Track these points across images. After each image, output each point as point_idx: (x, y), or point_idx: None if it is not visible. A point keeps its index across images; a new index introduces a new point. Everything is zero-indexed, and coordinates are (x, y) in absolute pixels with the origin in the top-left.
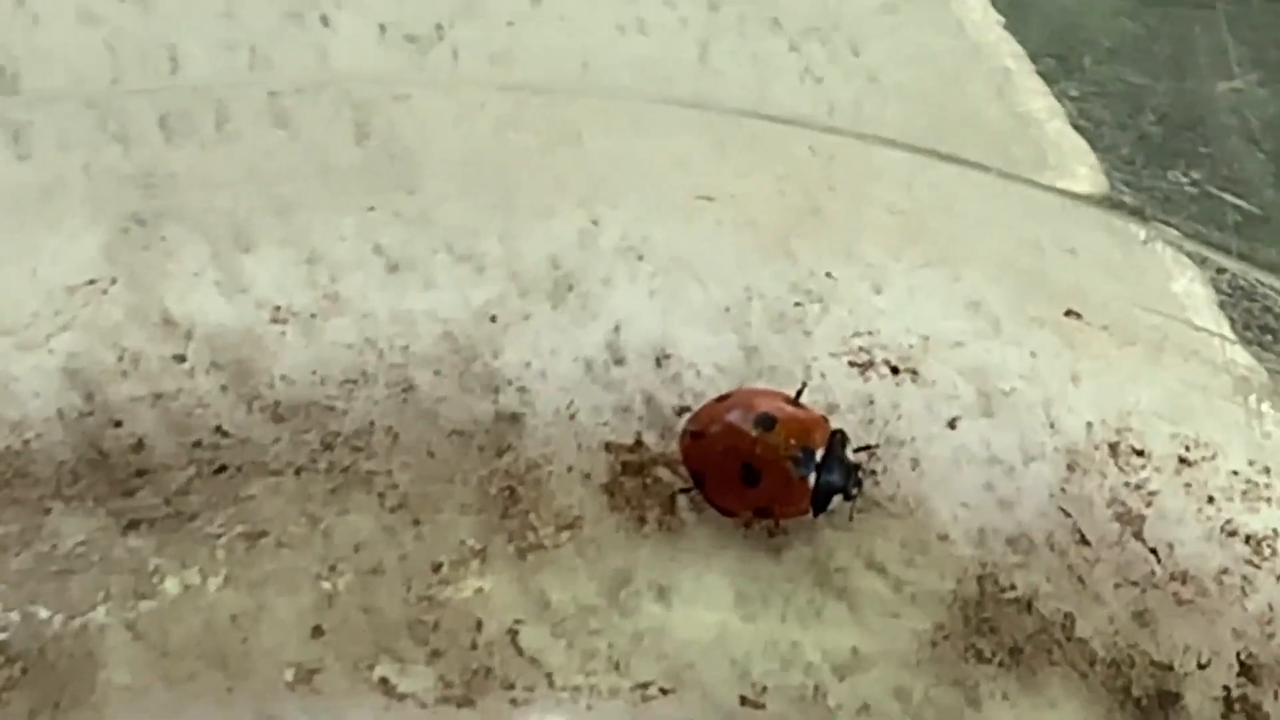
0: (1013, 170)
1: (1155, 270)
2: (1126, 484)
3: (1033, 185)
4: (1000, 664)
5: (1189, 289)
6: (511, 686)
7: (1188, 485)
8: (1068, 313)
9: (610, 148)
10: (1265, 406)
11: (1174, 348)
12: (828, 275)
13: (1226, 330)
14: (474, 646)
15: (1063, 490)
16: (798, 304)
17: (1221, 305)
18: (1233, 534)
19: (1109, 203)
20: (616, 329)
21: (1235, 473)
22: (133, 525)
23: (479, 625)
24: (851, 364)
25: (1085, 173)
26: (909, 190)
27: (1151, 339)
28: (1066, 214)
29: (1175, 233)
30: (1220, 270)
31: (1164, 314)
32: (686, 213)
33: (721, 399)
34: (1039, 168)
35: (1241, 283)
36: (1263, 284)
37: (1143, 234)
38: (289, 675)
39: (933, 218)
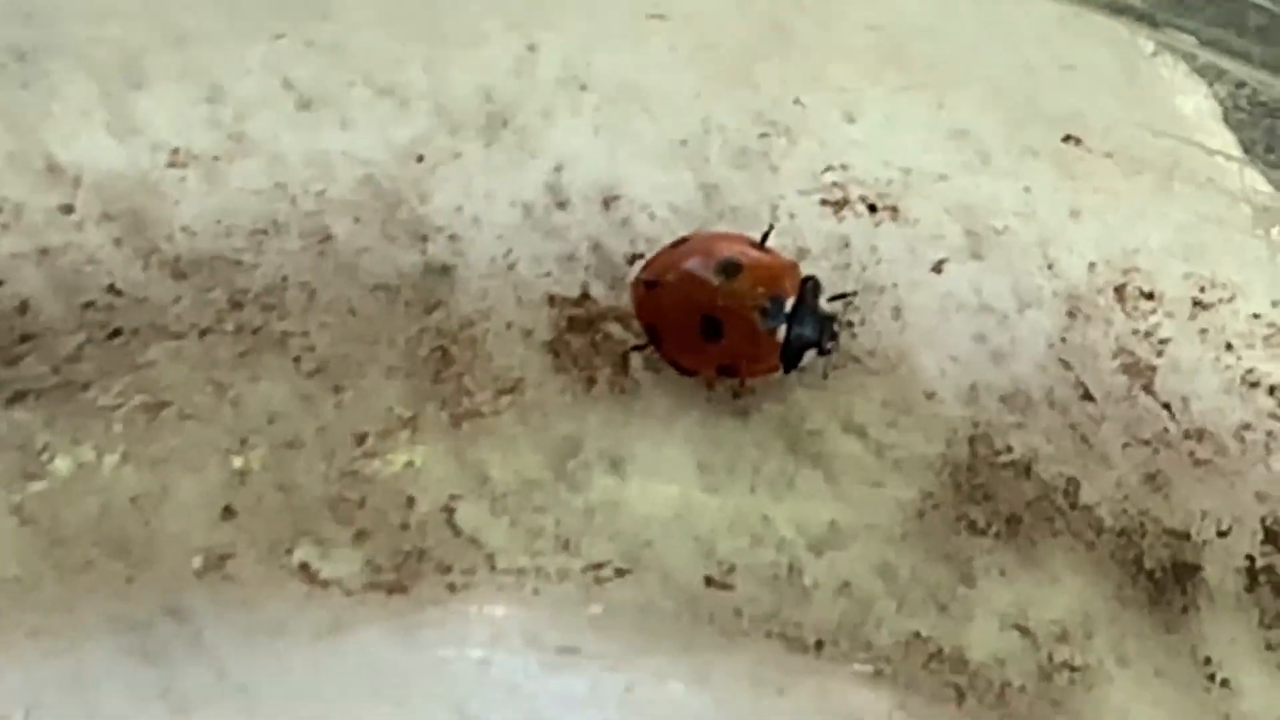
0: None
1: (1164, 86)
2: (1134, 331)
3: None
4: (996, 535)
5: (1203, 107)
6: (448, 570)
7: (1203, 331)
8: (1066, 139)
9: None
10: None
11: (1186, 175)
12: (795, 103)
13: (1243, 154)
14: (405, 526)
15: (1063, 340)
16: (762, 135)
17: (1239, 125)
18: (1255, 385)
19: (1111, 8)
20: (558, 168)
21: (1256, 316)
22: (17, 397)
23: (410, 502)
24: (824, 202)
25: None
26: (888, 7)
27: (1161, 166)
28: (1063, 25)
29: (1188, 40)
30: (1239, 84)
31: (1175, 137)
32: (635, 35)
33: (678, 244)
34: None
35: (1263, 98)
36: None
37: (1150, 45)
38: (197, 562)
39: (912, 36)
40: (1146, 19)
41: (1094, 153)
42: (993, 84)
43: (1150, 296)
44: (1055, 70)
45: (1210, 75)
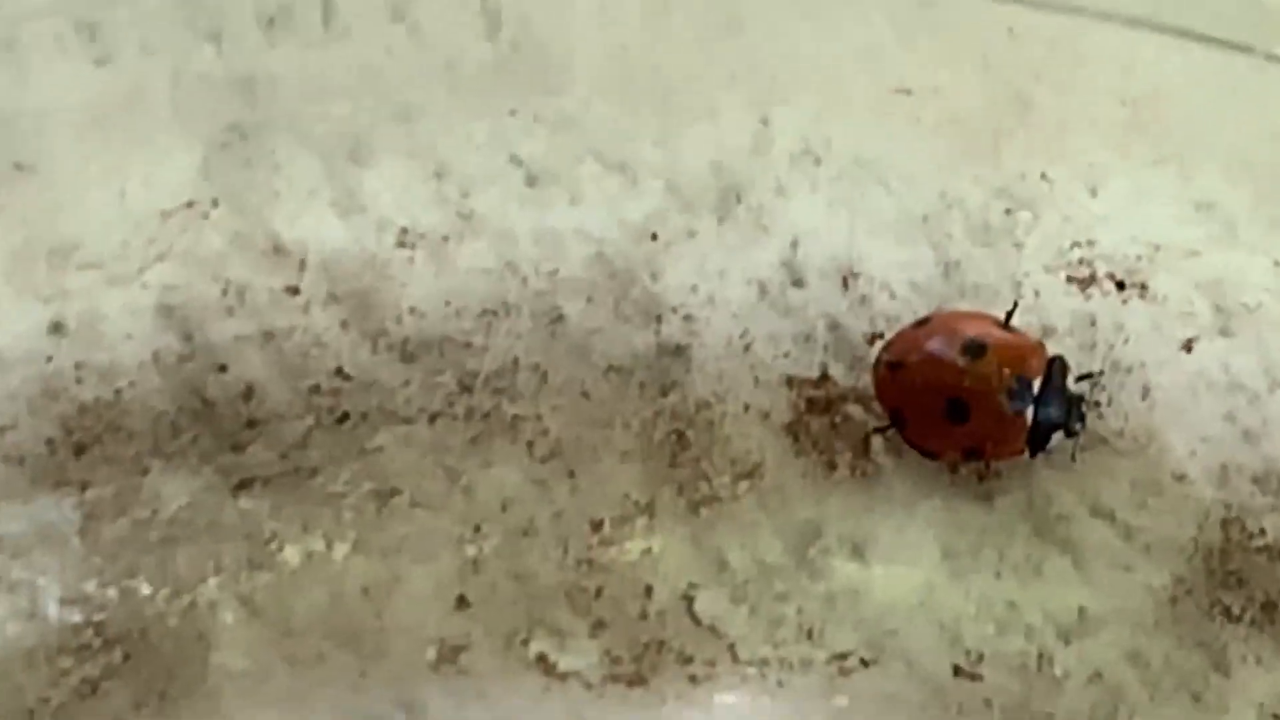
0: (1251, 43)
1: None
2: None
3: (1277, 61)
4: (1251, 622)
5: None
6: (689, 661)
7: None
8: None
9: (780, 35)
10: None
11: None
12: (1041, 177)
13: None
14: (644, 616)
15: None
16: (1006, 211)
17: None
18: None
19: None
20: (794, 245)
21: None
22: (244, 485)
23: (648, 591)
24: (1069, 279)
25: None
26: (1129, 74)
27: None
28: None
29: None
30: None
31: None
32: (872, 109)
33: (920, 323)
34: None
35: None
36: None
37: None
38: (431, 654)
39: (1157, 105)
40: None
41: None
42: (1240, 154)
43: None
44: None
45: None
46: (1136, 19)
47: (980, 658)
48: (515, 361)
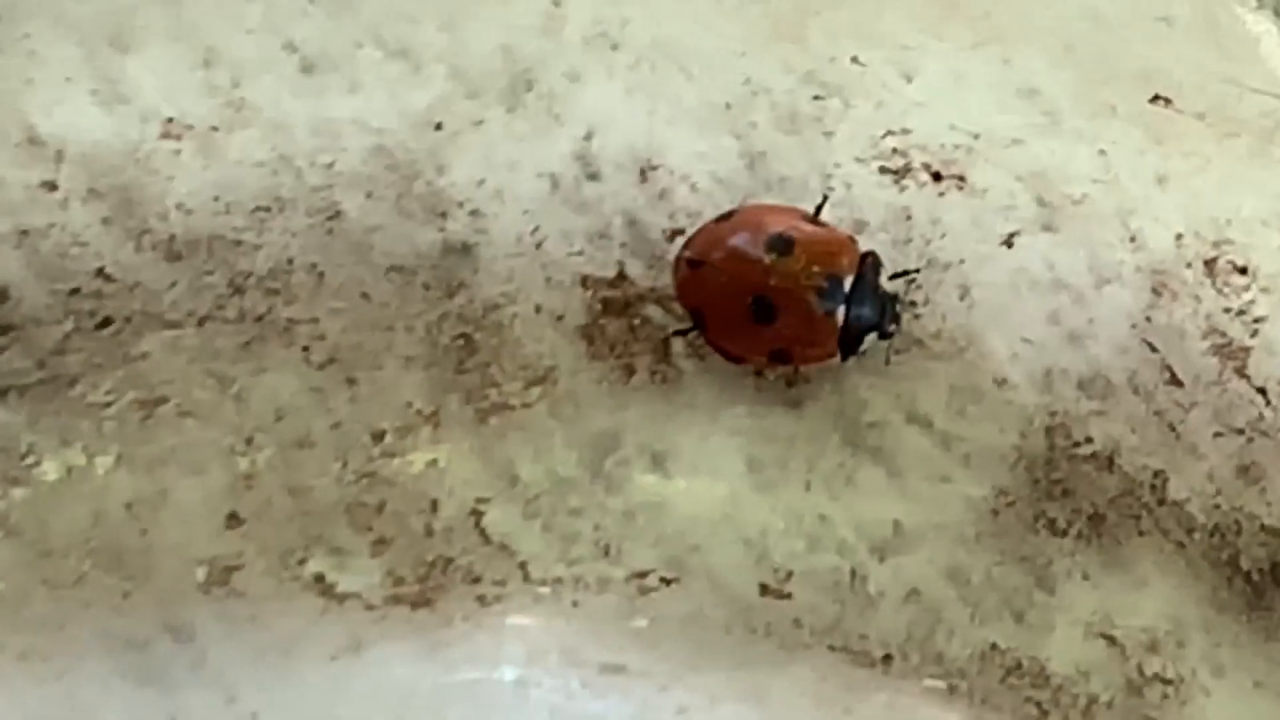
0: None
1: (1262, 44)
2: (1226, 309)
3: None
4: (1077, 535)
5: None
6: (477, 580)
7: None
8: (1154, 99)
9: None
10: None
11: None
12: (852, 61)
13: None
14: (429, 533)
15: (1147, 319)
16: (815, 97)
17: None
18: None
19: None
20: (588, 136)
21: None
22: None
23: (434, 506)
24: (883, 170)
25: None
26: None
27: (1258, 129)
28: None
29: None
30: None
31: (1275, 96)
32: None
33: (723, 219)
34: None
35: None
36: None
37: (1253, 1)
38: (201, 574)
39: None
40: None
41: (1184, 114)
42: (1067, 39)
43: (1244, 271)
44: (1140, 24)
45: None
46: None
47: (789, 575)
48: (290, 261)
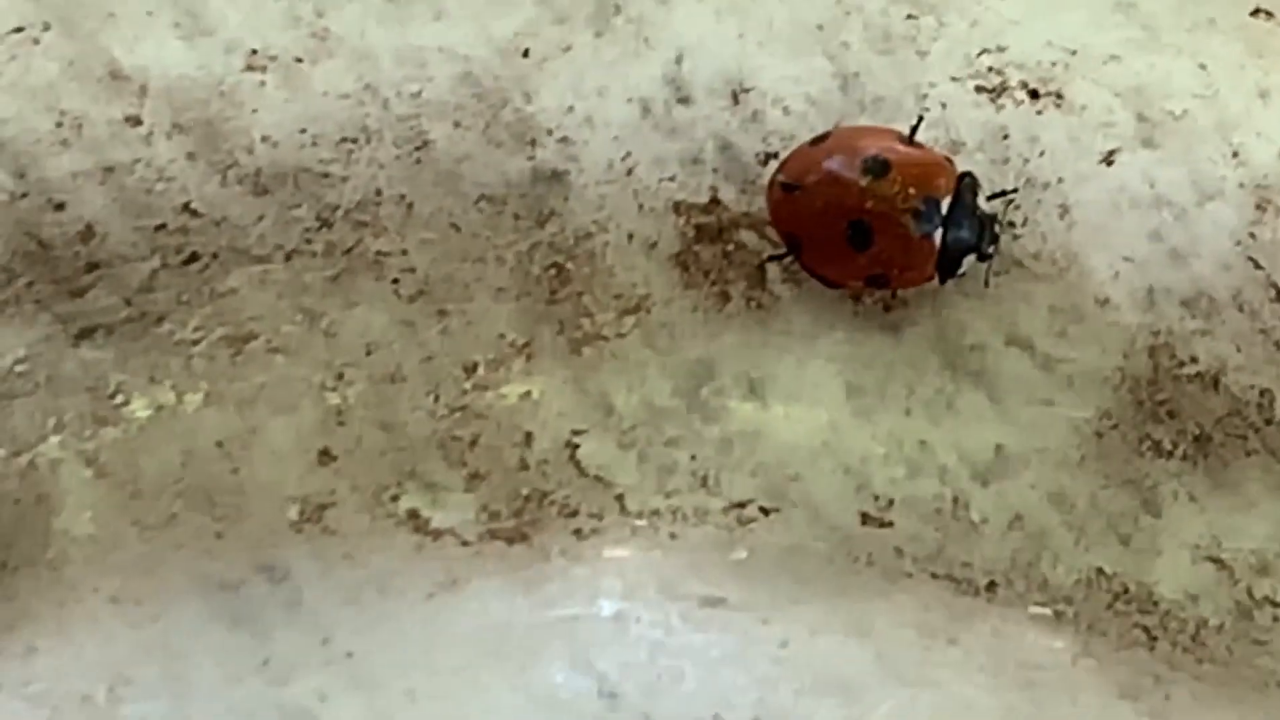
0: None
1: None
2: None
3: None
4: (1183, 457)
5: None
6: (574, 514)
7: None
8: (1255, 12)
9: None
10: None
11: None
12: None
13: None
14: (523, 466)
15: (1251, 236)
16: (908, 16)
17: None
18: None
19: None
20: (678, 59)
21: None
22: (85, 333)
23: (528, 439)
24: (979, 89)
25: None
26: None
27: None
28: None
29: None
30: None
31: None
32: None
33: (817, 141)
34: None
35: None
36: None
37: None
38: (293, 513)
39: None
40: None
41: None
42: None
43: None
44: None
45: None
46: None
47: (890, 503)
48: (378, 193)
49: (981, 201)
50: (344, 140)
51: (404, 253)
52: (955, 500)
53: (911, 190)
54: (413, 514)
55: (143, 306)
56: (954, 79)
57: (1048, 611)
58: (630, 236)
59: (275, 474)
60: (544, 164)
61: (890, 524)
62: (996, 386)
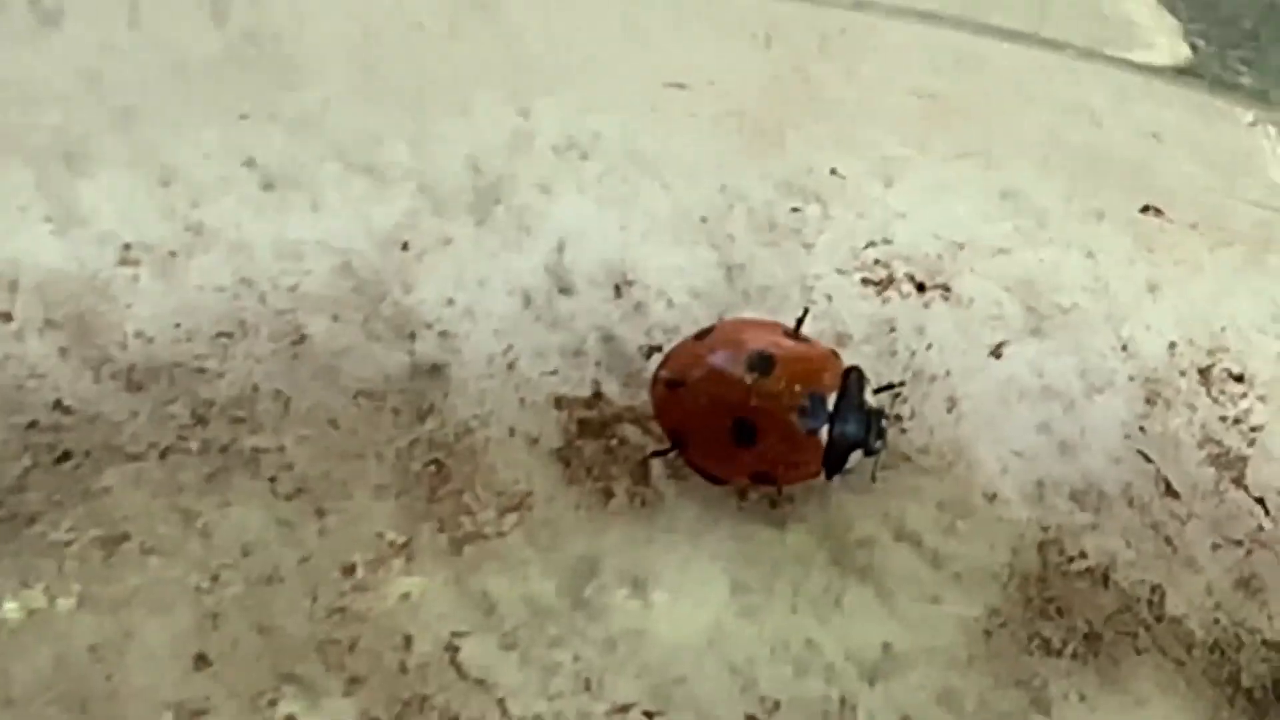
0: (1068, 40)
1: (1261, 157)
2: (1223, 418)
3: (1097, 58)
4: (1073, 655)
5: None
6: (455, 718)
7: None
8: (1145, 209)
9: (539, 21)
10: None
11: None
12: (831, 172)
13: None
14: (404, 669)
15: (1141, 429)
16: (793, 209)
17: None
18: None
19: (1198, 76)
20: (560, 249)
21: None
22: None
23: (408, 641)
24: (865, 281)
25: (1165, 42)
26: (926, 68)
27: (1254, 238)
28: (1144, 91)
29: None
30: None
31: (1269, 207)
32: (643, 100)
33: (701, 335)
34: (1103, 39)
35: None
36: None
37: (1249, 115)
38: (168, 719)
39: (958, 100)
40: (1258, 97)
41: (1176, 224)
42: (1053, 150)
43: (1240, 379)
44: (1129, 137)
45: None
46: (930, 13)
47: (777, 705)
48: (255, 388)
49: (868, 396)
50: (220, 334)
51: (281, 449)
52: (843, 701)
53: (797, 387)
54: (291, 719)
55: (14, 507)
56: (840, 271)
57: None
58: (512, 431)
59: (150, 679)
60: (424, 358)
61: None
62: (884, 583)
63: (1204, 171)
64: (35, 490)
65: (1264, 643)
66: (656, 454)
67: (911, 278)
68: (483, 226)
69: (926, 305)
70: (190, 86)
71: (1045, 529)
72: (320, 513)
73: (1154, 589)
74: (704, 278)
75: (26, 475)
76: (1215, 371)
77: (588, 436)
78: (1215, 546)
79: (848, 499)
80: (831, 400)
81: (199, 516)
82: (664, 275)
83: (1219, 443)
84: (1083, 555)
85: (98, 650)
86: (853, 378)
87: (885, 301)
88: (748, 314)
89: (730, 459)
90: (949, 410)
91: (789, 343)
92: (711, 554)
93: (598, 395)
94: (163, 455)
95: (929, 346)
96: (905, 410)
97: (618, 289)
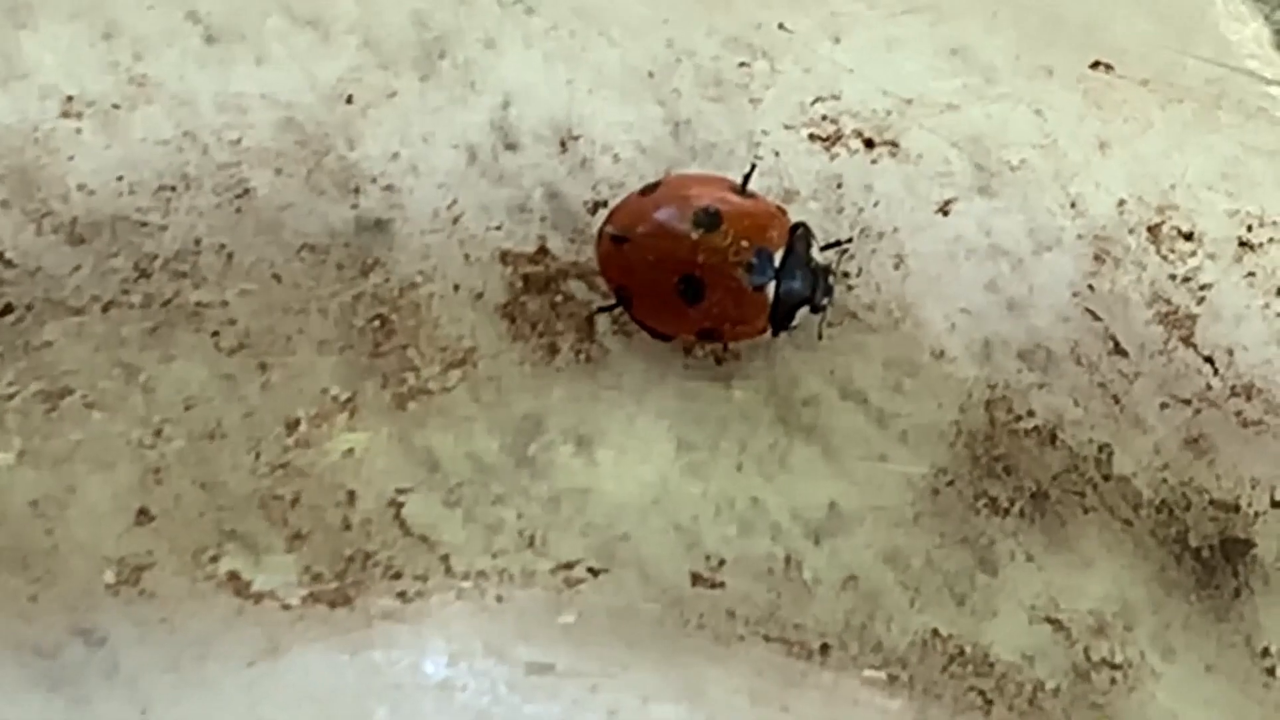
0: None
1: (1214, 13)
2: (1171, 276)
3: None
4: (1020, 514)
5: (1260, 34)
6: (398, 576)
7: (1250, 275)
8: (1094, 65)
9: None
10: None
11: (1233, 105)
12: (779, 26)
13: None
14: (346, 526)
15: (1089, 287)
16: (741, 64)
17: None
18: None
19: None
20: (505, 105)
21: None
22: None
23: (351, 497)
24: (813, 137)
25: None
26: None
27: (1205, 95)
28: None
29: None
30: None
31: (1223, 65)
32: None
33: (647, 190)
34: None
35: None
36: None
37: None
38: (110, 575)
39: None
40: None
41: (1127, 80)
42: (1007, 7)
43: (1189, 237)
44: None
45: (1271, 3)
46: None
47: (721, 563)
48: (197, 242)
49: (815, 252)
50: (162, 188)
51: (224, 304)
52: (788, 560)
53: (744, 243)
54: (233, 576)
55: None
56: (787, 127)
57: (882, 675)
58: (456, 287)
59: (91, 535)
60: (368, 213)
61: (722, 585)
62: (830, 442)
63: (1156, 28)
64: None
65: (1211, 502)
66: (602, 310)
67: (859, 134)
68: (428, 81)
69: (874, 162)
70: None
71: (993, 387)
72: (263, 367)
73: (1102, 448)
74: (650, 133)
75: None
76: (1164, 229)
77: (532, 292)
78: (1163, 405)
79: (794, 356)
80: (778, 257)
81: (141, 371)
82: (610, 130)
83: (1168, 301)
84: (1030, 414)
85: (39, 505)
86: (800, 234)
87: (833, 158)
88: (695, 169)
89: (676, 315)
90: (896, 268)
91: (736, 199)
92: (657, 411)
93: (543, 250)
94: (105, 309)
95: (876, 203)
96: (852, 267)
97: (563, 144)
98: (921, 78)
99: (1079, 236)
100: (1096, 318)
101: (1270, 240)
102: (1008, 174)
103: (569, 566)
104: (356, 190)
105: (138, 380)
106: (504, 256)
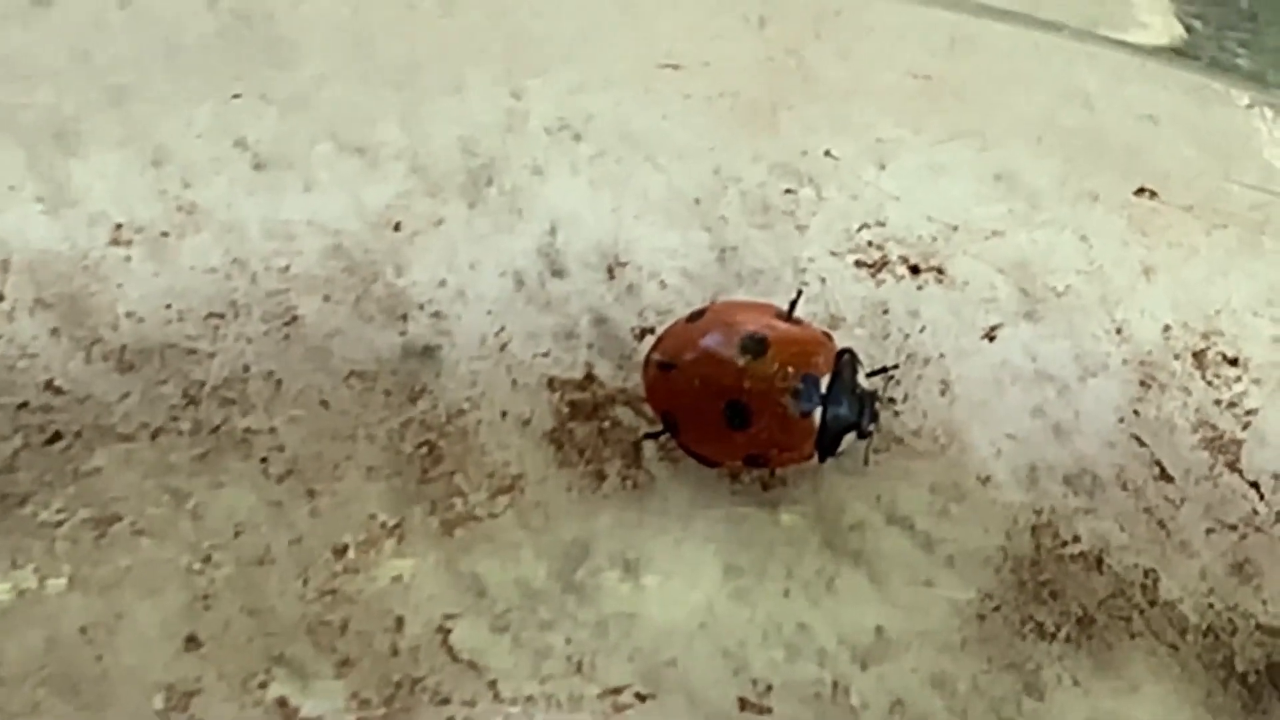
0: (1063, 21)
1: (1257, 140)
2: (1217, 401)
3: (1092, 38)
4: (1066, 639)
5: None
6: (446, 701)
7: None
8: (1139, 190)
9: (532, 2)
10: None
11: (1277, 231)
12: (825, 154)
13: None
14: (395, 651)
15: (1135, 413)
16: (787, 190)
17: None
18: None
19: (1194, 58)
20: (553, 230)
21: None
22: None
23: (399, 623)
24: (859, 263)
25: (1160, 23)
26: (921, 47)
27: (1249, 221)
28: (1140, 73)
29: None
30: None
31: (1265, 190)
32: (636, 81)
33: (694, 317)
34: (1098, 19)
35: None
36: None
37: (1245, 98)
38: (159, 701)
39: (953, 80)
40: (1254, 79)
41: (1171, 206)
42: (1048, 132)
43: (1234, 362)
44: (1124, 119)
45: None
46: None
47: (769, 688)
48: (246, 369)
49: (861, 378)
50: (211, 315)
51: (272, 430)
52: (835, 684)
53: (790, 369)
54: (281, 702)
55: (4, 488)
56: (833, 253)
57: None
58: (504, 413)
59: (140, 660)
60: (416, 339)
61: (769, 710)
62: (877, 566)
63: (1199, 154)
64: (26, 471)
65: (1258, 627)
66: (649, 436)
67: (905, 260)
68: (475, 208)
69: (920, 288)
70: (182, 65)
71: (1038, 512)
72: (311, 494)
73: (1147, 573)
74: (697, 260)
75: (17, 456)
76: (1209, 355)
77: (580, 418)
78: (1209, 531)
79: (840, 482)
80: (825, 383)
81: (190, 497)
82: (657, 257)
83: (1213, 426)
84: (1076, 539)
85: (88, 631)
86: (846, 360)
87: (879, 284)
88: (740, 296)
89: (723, 441)
90: (942, 393)
91: (782, 325)
92: (704, 536)
93: (590, 377)
94: (154, 436)
95: (922, 329)
96: (898, 393)
97: (610, 271)
98: (966, 204)
99: (1124, 362)
100: (1142, 443)
101: None
102: (1053, 300)
103: (616, 691)
104: (404, 317)
105: (186, 507)
106: (551, 383)
